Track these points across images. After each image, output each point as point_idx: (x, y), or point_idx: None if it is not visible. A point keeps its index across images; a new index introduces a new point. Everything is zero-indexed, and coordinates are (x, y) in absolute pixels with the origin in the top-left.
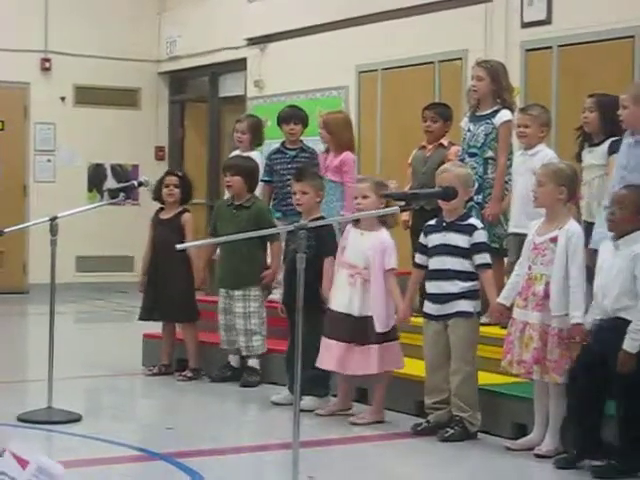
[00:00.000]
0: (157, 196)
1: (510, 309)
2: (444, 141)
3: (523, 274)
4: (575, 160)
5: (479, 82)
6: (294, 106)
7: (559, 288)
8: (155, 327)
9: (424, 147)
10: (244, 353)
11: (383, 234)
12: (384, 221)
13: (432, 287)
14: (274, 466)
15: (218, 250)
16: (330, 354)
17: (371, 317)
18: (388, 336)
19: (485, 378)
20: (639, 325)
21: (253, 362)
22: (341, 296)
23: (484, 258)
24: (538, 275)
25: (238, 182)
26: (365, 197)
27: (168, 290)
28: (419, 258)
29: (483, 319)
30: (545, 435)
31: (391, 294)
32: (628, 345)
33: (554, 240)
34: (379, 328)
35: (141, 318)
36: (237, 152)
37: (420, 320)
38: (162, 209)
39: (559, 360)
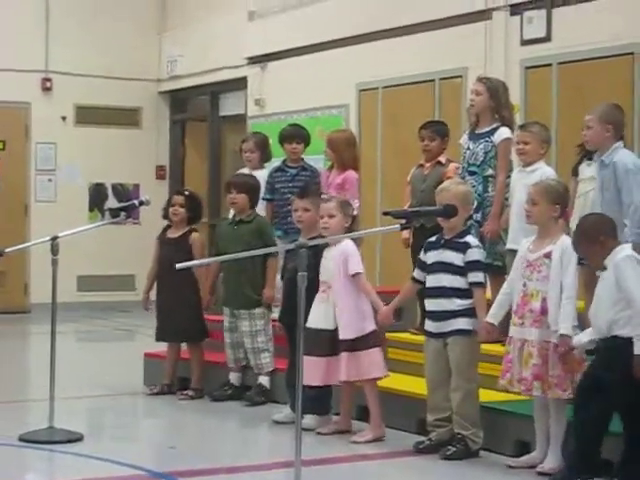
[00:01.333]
0: (166, 214)
1: (504, 329)
2: (442, 159)
3: (512, 292)
4: (571, 174)
5: (477, 96)
6: (296, 125)
7: (557, 303)
8: (157, 346)
9: (422, 165)
10: (255, 371)
11: (343, 244)
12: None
13: (431, 305)
14: None
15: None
16: (311, 371)
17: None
18: (361, 344)
19: (487, 396)
20: None
21: (263, 380)
22: (316, 313)
23: (476, 277)
24: (534, 292)
25: (243, 199)
26: (331, 216)
27: (176, 310)
28: (417, 273)
29: None
30: (547, 453)
31: (368, 297)
32: (638, 349)
33: (548, 256)
34: (344, 335)
35: (157, 339)
36: (245, 170)
37: (421, 338)
38: (169, 227)
39: (562, 375)
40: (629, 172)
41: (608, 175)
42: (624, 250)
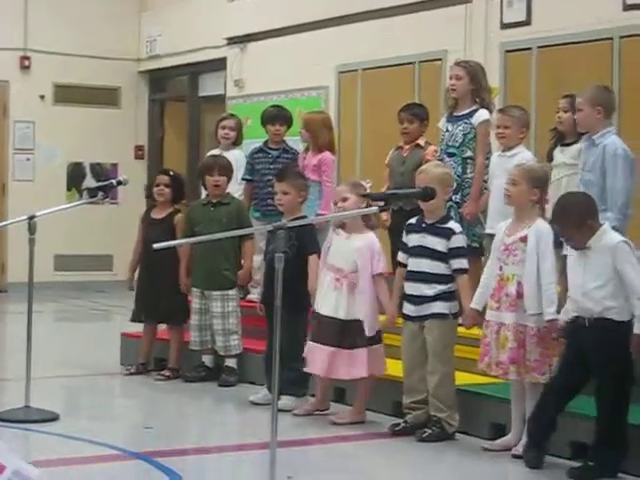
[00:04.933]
0: (149, 194)
1: (482, 313)
2: (421, 141)
3: (493, 276)
4: (546, 159)
5: (458, 81)
6: (279, 106)
7: (532, 286)
8: (134, 327)
9: (401, 148)
10: (222, 353)
11: (370, 237)
12: (369, 223)
13: (410, 288)
14: (252, 466)
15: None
16: (316, 358)
17: (359, 321)
18: (374, 339)
19: (463, 378)
20: None
21: (231, 362)
22: (327, 300)
23: (460, 263)
24: (510, 275)
25: (225, 182)
26: (345, 199)
27: (159, 291)
28: (401, 257)
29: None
30: (522, 436)
31: (380, 297)
32: (638, 328)
33: (524, 239)
34: (369, 332)
35: (133, 320)
36: (216, 151)
37: (399, 321)
38: (153, 207)
39: (540, 359)
40: (617, 156)
41: (595, 156)
42: (610, 232)
